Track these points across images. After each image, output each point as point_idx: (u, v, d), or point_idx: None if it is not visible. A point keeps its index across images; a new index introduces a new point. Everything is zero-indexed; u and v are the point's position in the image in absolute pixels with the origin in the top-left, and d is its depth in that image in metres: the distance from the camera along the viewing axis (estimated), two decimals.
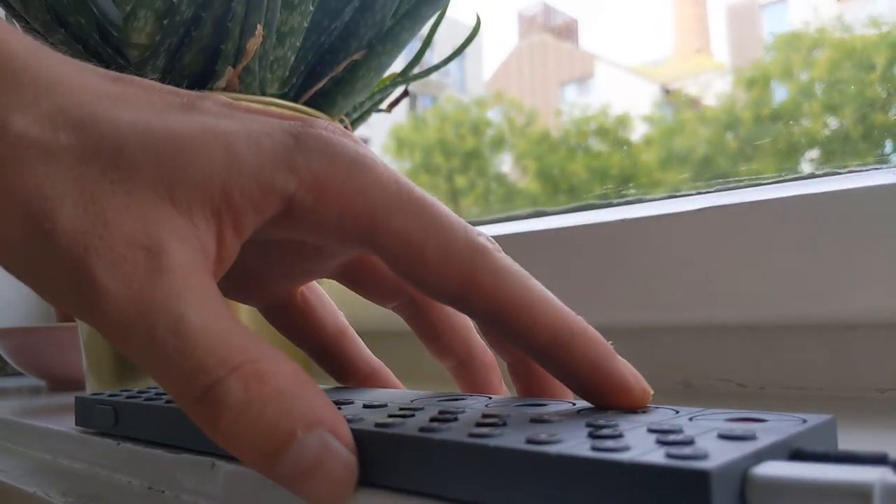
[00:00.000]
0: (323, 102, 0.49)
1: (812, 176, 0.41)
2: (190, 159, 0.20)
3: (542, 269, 0.27)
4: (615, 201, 0.57)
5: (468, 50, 0.52)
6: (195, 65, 0.44)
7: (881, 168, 0.42)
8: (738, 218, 0.38)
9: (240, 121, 0.22)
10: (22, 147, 0.19)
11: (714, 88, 13.25)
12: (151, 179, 0.20)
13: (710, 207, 0.40)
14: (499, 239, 0.28)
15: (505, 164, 9.07)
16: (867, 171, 0.42)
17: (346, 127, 0.51)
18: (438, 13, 0.50)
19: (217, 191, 0.20)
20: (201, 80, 0.44)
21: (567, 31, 25.07)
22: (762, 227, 0.38)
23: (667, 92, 17.01)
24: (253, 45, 0.42)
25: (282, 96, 0.47)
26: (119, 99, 0.21)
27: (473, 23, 0.53)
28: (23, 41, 0.21)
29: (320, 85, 0.48)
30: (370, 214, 0.21)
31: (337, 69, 0.48)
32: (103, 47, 0.44)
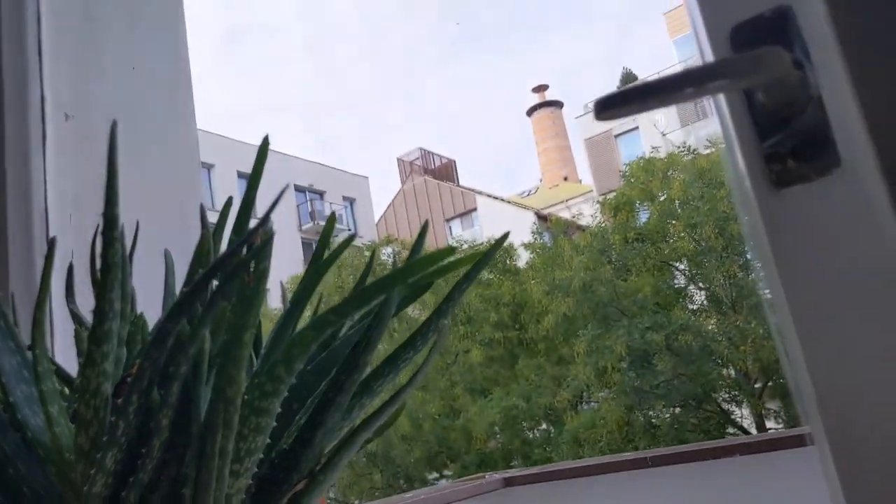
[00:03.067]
0: None
1: None
2: None
3: None
4: None
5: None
6: None
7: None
8: None
9: None
10: None
11: (585, 210, 14.59)
12: None
13: None
14: None
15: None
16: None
17: None
18: None
19: None
20: None
21: (446, 172, 26.94)
22: None
23: (541, 218, 18.51)
24: None
25: None
26: None
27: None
28: None
29: None
30: None
31: (281, 502, 0.51)
32: None
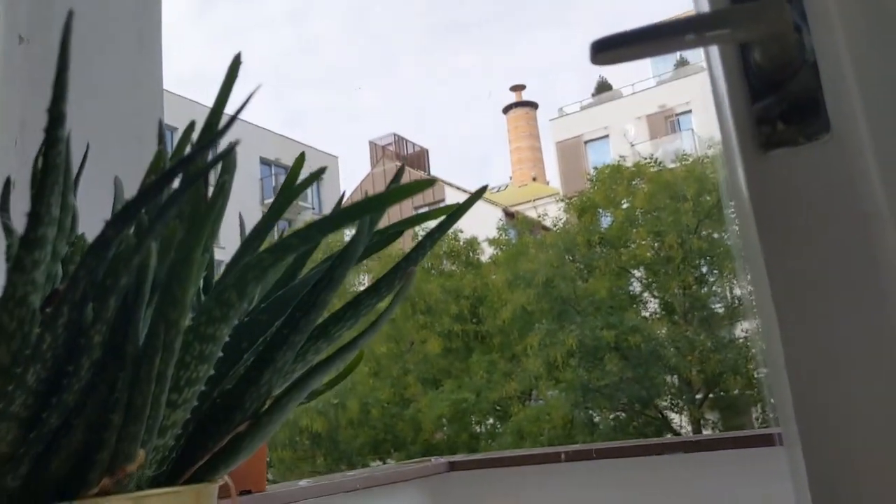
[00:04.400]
0: (204, 472, 0.48)
1: None
2: None
3: None
4: None
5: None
6: (62, 470, 0.42)
7: None
8: None
9: None
10: None
11: (550, 212, 14.75)
12: None
13: None
14: None
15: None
16: None
17: None
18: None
19: None
20: (69, 486, 0.42)
21: (418, 160, 26.81)
22: None
23: (508, 215, 18.62)
24: (134, 466, 0.41)
25: (156, 478, 0.45)
26: None
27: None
28: None
29: (202, 462, 0.47)
30: None
31: (220, 443, 0.47)
32: None
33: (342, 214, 0.41)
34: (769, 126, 0.46)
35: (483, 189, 0.55)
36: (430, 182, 0.38)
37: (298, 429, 11.81)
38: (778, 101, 0.46)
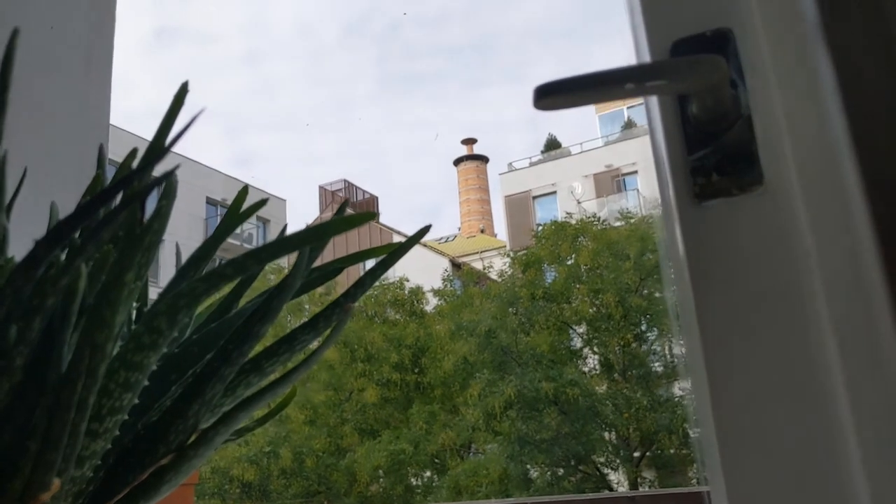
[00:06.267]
0: None
1: None
2: None
3: None
4: None
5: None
6: None
7: None
8: None
9: None
10: None
11: (496, 264, 14.95)
12: None
13: None
14: None
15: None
16: None
17: None
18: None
19: None
20: None
21: (368, 207, 26.84)
22: None
23: (455, 266, 18.77)
24: (48, 496, 0.39)
25: None
26: None
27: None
28: None
29: (120, 496, 0.45)
30: None
31: (141, 476, 0.45)
32: None
33: (280, 244, 0.41)
34: (704, 177, 0.48)
35: (427, 228, 0.56)
36: (371, 215, 0.39)
37: (228, 477, 11.33)
38: (713, 152, 0.48)
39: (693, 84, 0.45)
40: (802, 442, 0.43)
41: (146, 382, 0.44)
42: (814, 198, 0.45)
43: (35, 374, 0.41)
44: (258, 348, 0.51)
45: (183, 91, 0.49)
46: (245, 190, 0.60)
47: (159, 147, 0.48)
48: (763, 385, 0.45)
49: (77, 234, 0.46)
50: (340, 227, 0.41)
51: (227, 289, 0.55)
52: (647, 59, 0.49)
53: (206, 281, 0.41)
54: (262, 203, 0.52)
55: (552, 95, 0.42)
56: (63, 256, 0.44)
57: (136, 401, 0.44)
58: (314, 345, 0.54)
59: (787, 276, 0.46)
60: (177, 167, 0.40)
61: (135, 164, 0.59)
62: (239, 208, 0.57)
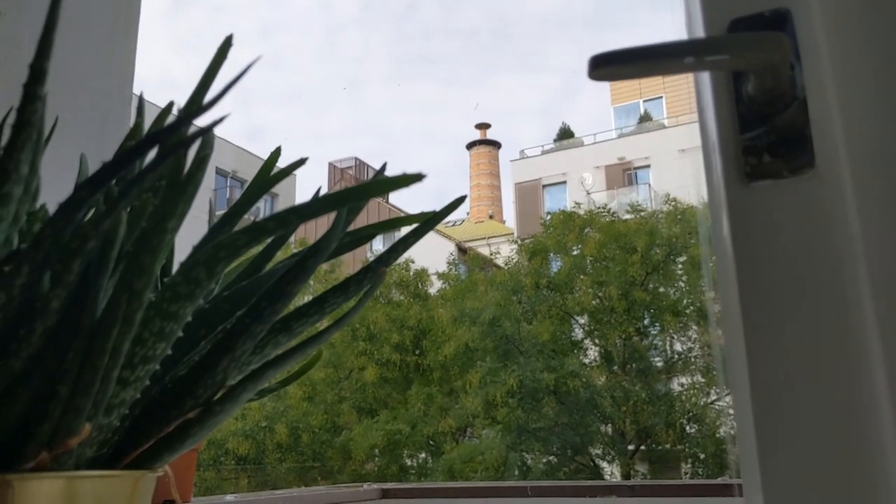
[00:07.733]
0: (145, 459, 0.46)
1: None
2: None
3: None
4: None
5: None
6: None
7: None
8: None
9: None
10: None
11: (503, 251, 14.94)
12: None
13: None
14: None
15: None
16: None
17: None
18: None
19: None
20: (3, 457, 0.39)
21: None
22: None
23: (461, 251, 18.74)
24: (76, 441, 0.39)
25: (96, 459, 0.43)
26: None
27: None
28: None
29: (146, 446, 0.45)
30: None
31: (167, 428, 0.45)
32: None
33: (321, 202, 0.41)
34: (756, 157, 0.47)
35: (462, 198, 0.56)
36: (419, 176, 0.38)
37: (224, 450, 11.42)
38: (767, 133, 0.47)
39: (754, 61, 0.44)
40: (840, 431, 0.43)
41: (180, 333, 0.44)
42: (864, 185, 0.45)
43: (69, 319, 0.40)
44: (288, 309, 0.51)
45: (227, 45, 0.49)
46: (277, 151, 0.60)
47: (201, 99, 0.48)
48: (801, 370, 0.45)
49: (113, 183, 0.45)
50: (383, 187, 0.41)
51: (255, 249, 0.54)
52: (700, 31, 0.48)
53: (248, 233, 0.41)
54: (301, 162, 0.51)
55: (608, 66, 0.41)
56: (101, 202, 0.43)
57: (169, 351, 0.44)
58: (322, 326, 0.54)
59: (831, 261, 0.45)
60: (225, 116, 0.40)
61: (168, 120, 0.58)
62: (272, 167, 0.57)
